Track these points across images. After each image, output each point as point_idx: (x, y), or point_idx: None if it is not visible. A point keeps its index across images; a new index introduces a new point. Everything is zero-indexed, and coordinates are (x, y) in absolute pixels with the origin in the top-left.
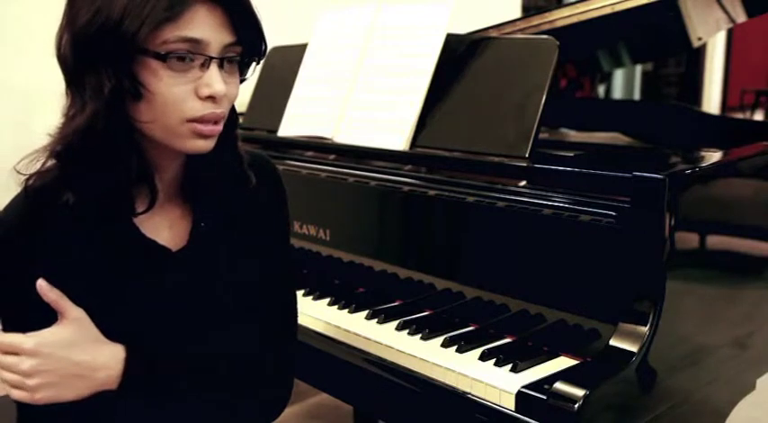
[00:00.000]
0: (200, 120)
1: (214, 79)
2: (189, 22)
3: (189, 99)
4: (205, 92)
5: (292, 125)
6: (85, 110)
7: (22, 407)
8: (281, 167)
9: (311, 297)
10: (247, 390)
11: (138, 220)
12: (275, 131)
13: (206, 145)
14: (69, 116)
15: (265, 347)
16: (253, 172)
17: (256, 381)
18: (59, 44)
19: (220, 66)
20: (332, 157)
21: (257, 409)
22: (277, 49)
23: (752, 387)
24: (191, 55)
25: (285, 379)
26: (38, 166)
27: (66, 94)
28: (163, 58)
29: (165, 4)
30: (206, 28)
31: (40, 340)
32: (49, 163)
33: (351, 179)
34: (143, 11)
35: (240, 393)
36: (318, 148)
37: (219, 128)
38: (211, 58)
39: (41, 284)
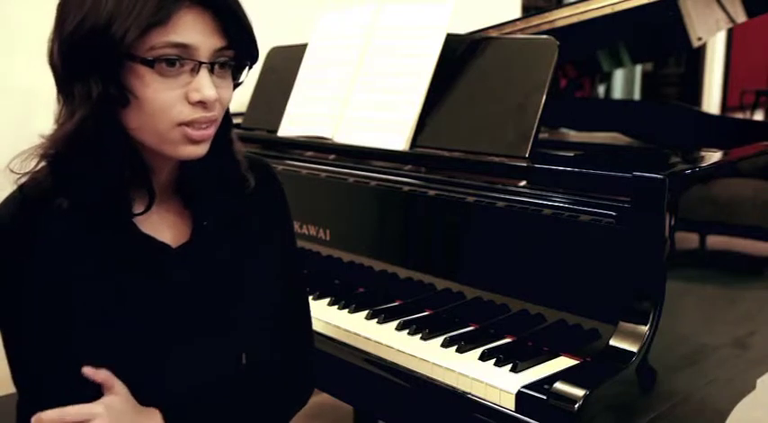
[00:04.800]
0: (191, 124)
1: (204, 84)
2: (176, 27)
3: (178, 104)
4: (195, 97)
5: (292, 125)
6: (74, 116)
7: (22, 408)
8: (280, 167)
9: (311, 297)
10: (276, 406)
11: (136, 221)
12: (275, 131)
13: (198, 150)
14: (60, 122)
15: (285, 350)
16: (252, 175)
17: (281, 392)
18: (50, 50)
19: (211, 70)
20: (332, 157)
21: (286, 414)
22: (277, 49)
23: (752, 387)
24: (179, 60)
25: (306, 379)
26: (32, 164)
27: (58, 99)
28: (150, 63)
29: (152, 9)
30: (195, 33)
31: (107, 403)
32: (43, 163)
33: (351, 179)
34: (129, 16)
35: (273, 407)
36: (318, 148)
37: (211, 132)
38: (201, 62)
39: (87, 371)
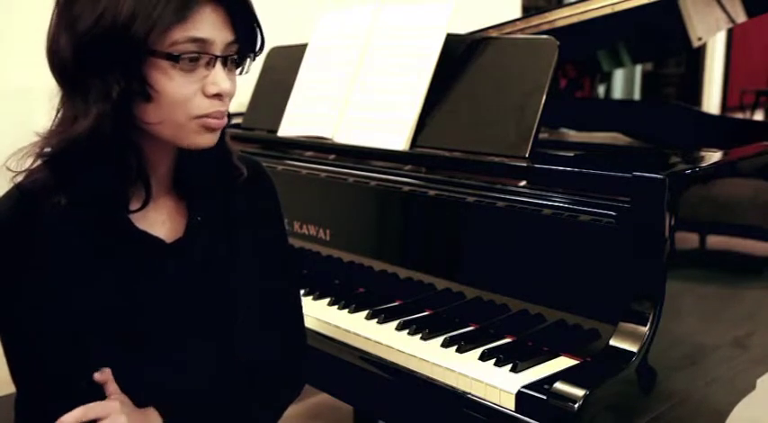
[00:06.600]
0: (208, 116)
1: (220, 78)
2: (196, 23)
3: (196, 97)
4: (213, 90)
5: (292, 125)
6: (90, 114)
7: (20, 406)
8: (280, 167)
9: (311, 297)
10: (272, 401)
11: (132, 217)
12: (275, 131)
13: (213, 139)
14: (69, 120)
15: (277, 347)
16: (243, 166)
17: (273, 388)
18: (55, 48)
19: (224, 64)
20: (332, 157)
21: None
22: (277, 49)
23: (752, 387)
24: (199, 54)
25: (298, 376)
26: (29, 162)
27: (62, 98)
28: (175, 58)
29: (176, 6)
30: (211, 27)
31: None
32: (40, 161)
33: (351, 179)
34: (153, 13)
35: (267, 404)
36: (318, 148)
37: (225, 121)
38: (216, 56)
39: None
